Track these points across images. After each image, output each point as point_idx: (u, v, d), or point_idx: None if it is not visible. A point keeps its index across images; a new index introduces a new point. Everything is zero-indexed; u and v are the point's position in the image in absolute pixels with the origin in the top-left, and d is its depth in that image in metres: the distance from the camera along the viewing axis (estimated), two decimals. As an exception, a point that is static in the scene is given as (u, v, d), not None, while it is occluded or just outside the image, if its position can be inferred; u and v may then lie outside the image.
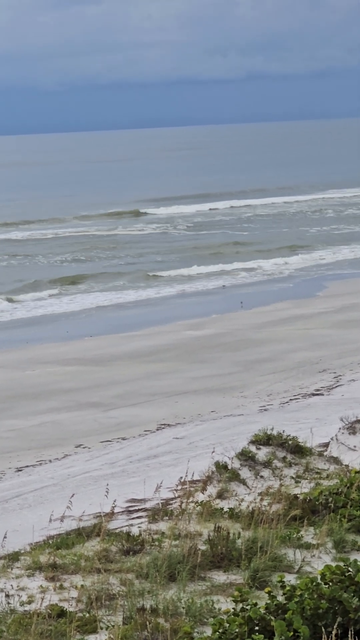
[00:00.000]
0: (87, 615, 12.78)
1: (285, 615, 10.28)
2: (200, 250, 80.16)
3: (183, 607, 12.93)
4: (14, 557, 15.34)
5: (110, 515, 16.56)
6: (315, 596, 10.58)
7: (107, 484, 20.30)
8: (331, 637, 9.95)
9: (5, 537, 16.05)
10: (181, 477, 19.17)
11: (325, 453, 21.90)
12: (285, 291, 60.56)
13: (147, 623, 11.95)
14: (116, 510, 18.13)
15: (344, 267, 70.10)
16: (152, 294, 61.74)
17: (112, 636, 11.76)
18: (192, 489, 19.04)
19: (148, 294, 61.70)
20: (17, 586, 14.19)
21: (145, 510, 20.65)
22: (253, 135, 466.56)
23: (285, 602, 10.56)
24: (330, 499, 16.56)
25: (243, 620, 10.35)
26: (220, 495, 18.98)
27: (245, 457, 20.31)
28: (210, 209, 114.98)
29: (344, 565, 11.16)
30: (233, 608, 10.69)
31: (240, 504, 17.63)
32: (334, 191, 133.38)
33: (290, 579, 13.54)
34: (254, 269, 69.95)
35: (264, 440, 20.90)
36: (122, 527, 17.88)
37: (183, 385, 37.13)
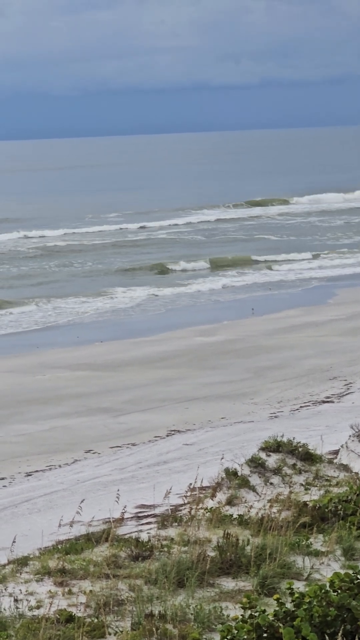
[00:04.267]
0: (96, 620, 12.78)
1: (294, 623, 10.26)
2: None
3: (191, 614, 12.93)
4: (23, 561, 15.35)
5: (120, 520, 16.55)
6: (324, 603, 10.56)
7: (117, 490, 20.33)
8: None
9: (14, 542, 16.07)
10: (191, 484, 19.15)
11: (335, 460, 21.88)
12: (296, 298, 60.55)
13: (155, 629, 11.95)
14: (125, 516, 18.12)
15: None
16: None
17: (120, 642, 11.76)
18: (201, 495, 19.04)
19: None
20: (26, 591, 14.20)
21: (154, 516, 20.66)
22: (274, 142, 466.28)
23: (293, 609, 10.54)
24: (339, 507, 16.55)
25: (251, 627, 10.33)
26: (230, 502, 18.98)
27: (255, 463, 20.30)
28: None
29: (353, 573, 11.15)
30: (241, 615, 10.67)
31: (249, 511, 17.62)
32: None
33: (299, 586, 13.51)
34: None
35: (274, 447, 20.89)
36: (131, 532, 17.88)
37: (193, 391, 37.12)
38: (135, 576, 14.31)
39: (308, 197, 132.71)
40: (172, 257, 79.99)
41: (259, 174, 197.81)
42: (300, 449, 20.98)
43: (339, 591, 10.85)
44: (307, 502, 17.26)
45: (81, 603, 13.38)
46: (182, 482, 22.56)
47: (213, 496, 19.13)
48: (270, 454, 20.69)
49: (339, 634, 10.11)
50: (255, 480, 19.89)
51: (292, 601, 10.71)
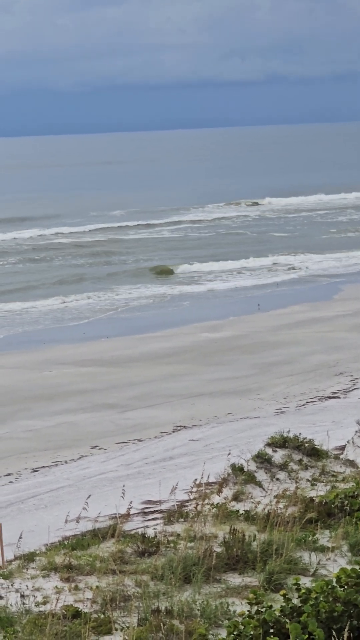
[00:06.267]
0: (102, 616, 12.77)
1: (301, 618, 10.24)
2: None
3: (198, 609, 12.91)
4: (29, 557, 15.35)
5: (126, 516, 16.55)
6: (331, 599, 10.53)
7: (123, 486, 20.32)
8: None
9: (21, 538, 16.08)
10: (197, 479, 19.16)
11: (341, 456, 21.86)
12: (302, 294, 60.50)
13: (162, 625, 11.94)
14: (132, 511, 18.12)
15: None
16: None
17: (126, 637, 11.76)
18: (207, 491, 19.03)
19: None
20: (33, 587, 14.19)
21: (160, 512, 20.67)
22: (279, 138, 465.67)
23: (300, 604, 10.51)
24: (346, 502, 16.53)
25: (258, 622, 10.31)
26: (236, 498, 18.96)
27: (262, 459, 20.29)
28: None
29: (360, 569, 11.12)
30: (248, 610, 10.65)
31: (256, 507, 17.60)
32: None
33: (306, 581, 13.49)
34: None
35: (280, 442, 20.87)
36: (137, 528, 17.88)
37: (199, 387, 37.11)
38: (142, 572, 14.30)
39: (307, 195, 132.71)
40: (177, 256, 79.89)
41: (264, 171, 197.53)
42: (306, 445, 20.97)
43: (346, 587, 10.82)
44: (314, 498, 17.24)
45: (87, 599, 13.37)
46: (188, 478, 22.57)
47: (219, 492, 19.11)
48: (277, 449, 20.68)
49: (346, 630, 10.09)
50: (261, 476, 19.88)
51: (299, 597, 10.68)
